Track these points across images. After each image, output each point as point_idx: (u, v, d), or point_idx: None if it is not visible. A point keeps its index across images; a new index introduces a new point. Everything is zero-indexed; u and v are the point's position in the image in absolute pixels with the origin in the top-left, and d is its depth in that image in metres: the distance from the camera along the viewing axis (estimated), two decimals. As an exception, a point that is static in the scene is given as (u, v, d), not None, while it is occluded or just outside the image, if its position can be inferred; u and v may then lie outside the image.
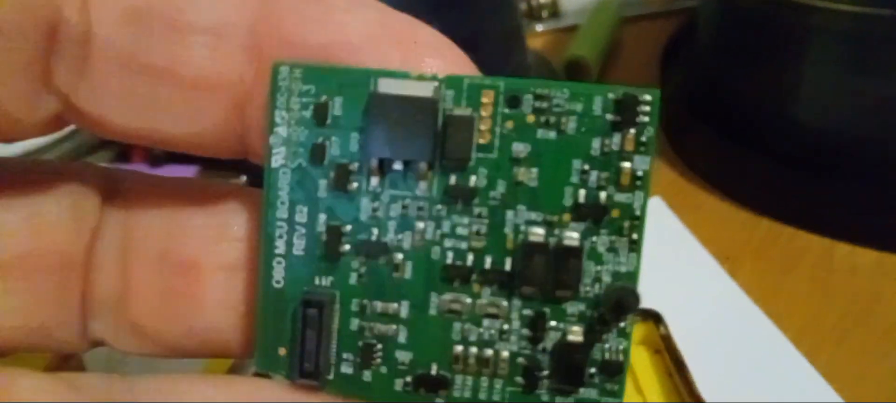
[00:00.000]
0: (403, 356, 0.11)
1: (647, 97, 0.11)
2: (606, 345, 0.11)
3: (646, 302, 0.23)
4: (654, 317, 0.22)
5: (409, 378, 0.11)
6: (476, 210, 0.11)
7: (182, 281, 0.11)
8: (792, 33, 0.29)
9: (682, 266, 0.28)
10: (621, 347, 0.11)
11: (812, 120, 0.30)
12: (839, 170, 0.29)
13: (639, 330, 0.23)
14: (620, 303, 0.11)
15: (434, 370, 0.11)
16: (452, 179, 0.11)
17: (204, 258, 0.11)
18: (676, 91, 0.36)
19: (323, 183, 0.11)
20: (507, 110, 0.11)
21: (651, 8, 0.48)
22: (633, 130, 0.11)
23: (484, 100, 0.11)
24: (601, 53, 0.41)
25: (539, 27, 0.47)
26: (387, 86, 0.11)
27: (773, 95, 0.31)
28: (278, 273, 0.11)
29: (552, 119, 0.11)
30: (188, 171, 0.34)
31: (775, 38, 0.30)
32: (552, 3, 0.47)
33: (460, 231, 0.11)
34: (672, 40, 0.40)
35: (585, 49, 0.40)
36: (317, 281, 0.11)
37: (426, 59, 0.11)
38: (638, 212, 0.11)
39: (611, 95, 0.11)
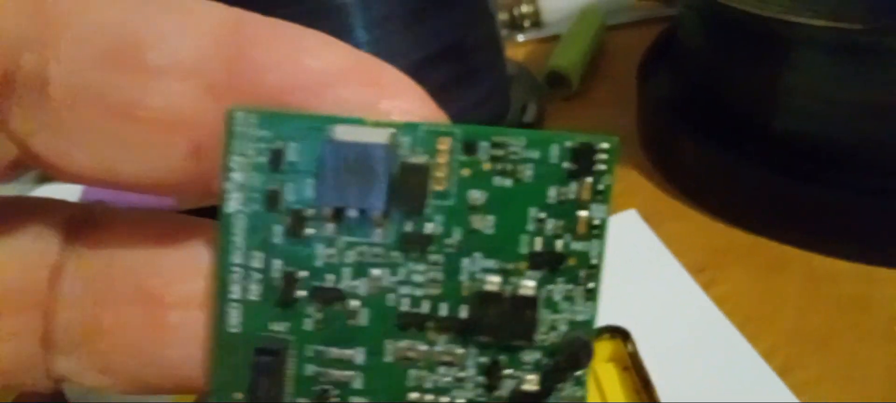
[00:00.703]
0: (359, 402, 0.11)
1: (605, 145, 0.11)
2: (562, 394, 0.11)
3: (617, 318, 0.23)
4: (623, 334, 0.23)
5: None
6: (431, 257, 0.11)
7: (148, 316, 0.12)
8: (770, 46, 0.29)
9: (654, 280, 0.28)
10: (578, 395, 0.11)
11: (791, 131, 0.30)
12: (818, 182, 0.29)
13: (607, 348, 0.23)
14: (575, 357, 0.11)
15: None
16: (408, 227, 0.11)
17: (171, 293, 0.12)
18: (655, 101, 0.36)
19: (278, 229, 0.11)
20: (463, 157, 0.11)
21: (634, 16, 0.48)
22: (589, 179, 0.11)
23: (440, 146, 0.11)
24: (583, 63, 0.41)
25: (521, 37, 0.47)
26: (342, 133, 0.11)
27: (752, 106, 0.31)
28: (233, 318, 0.11)
29: (509, 167, 0.11)
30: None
31: (754, 50, 0.30)
32: (534, 13, 0.47)
33: (416, 278, 0.11)
34: (652, 50, 0.40)
35: (567, 59, 0.40)
36: (272, 327, 0.11)
37: (390, 102, 0.11)
38: (594, 261, 0.11)
39: (568, 144, 0.11)
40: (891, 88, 0.27)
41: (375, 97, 0.11)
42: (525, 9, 0.47)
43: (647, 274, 0.28)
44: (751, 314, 0.26)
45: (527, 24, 0.47)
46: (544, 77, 0.41)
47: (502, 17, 0.46)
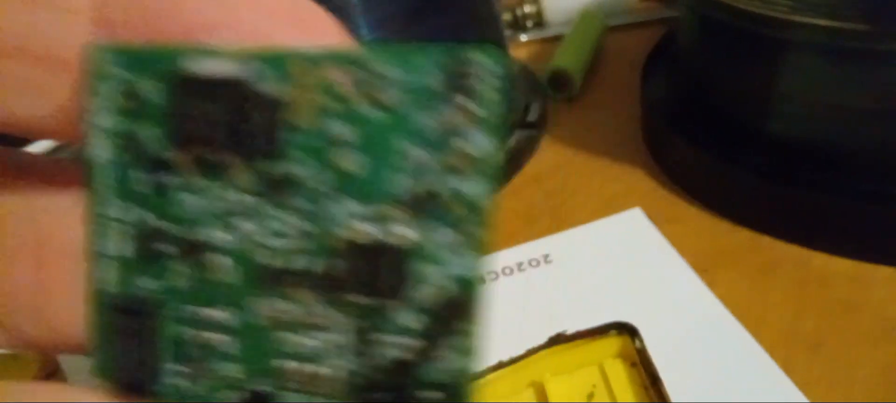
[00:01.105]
0: (231, 368, 0.10)
1: (481, 58, 0.09)
2: (440, 364, 0.09)
3: (624, 315, 0.23)
4: (630, 331, 0.23)
5: (238, 394, 0.10)
6: (294, 203, 0.09)
7: (30, 265, 0.11)
8: (769, 46, 0.29)
9: (660, 278, 0.28)
10: (459, 365, 0.09)
11: (790, 131, 0.30)
12: (816, 181, 0.29)
13: (615, 344, 0.23)
14: (446, 320, 0.09)
15: (260, 385, 0.10)
16: (266, 169, 0.09)
17: (53, 241, 0.11)
18: (657, 101, 0.36)
19: (140, 177, 0.10)
20: (323, 85, 0.09)
21: (636, 17, 0.48)
22: (465, 100, 0.09)
23: (296, 73, 0.09)
24: (585, 63, 0.42)
25: (524, 37, 0.47)
26: (192, 66, 0.09)
27: (751, 108, 0.31)
28: (107, 275, 0.10)
29: (375, 93, 0.09)
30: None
31: (753, 50, 0.30)
32: (537, 13, 0.47)
33: (280, 228, 0.09)
34: (653, 50, 0.40)
35: (569, 59, 0.40)
36: (142, 285, 0.10)
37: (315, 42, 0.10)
38: (478, 202, 0.09)
39: (436, 57, 0.09)
40: (888, 92, 0.27)
41: (299, 36, 0.10)
42: (528, 9, 0.47)
43: (652, 272, 0.28)
44: (745, 315, 0.26)
45: (529, 24, 0.47)
46: (547, 77, 0.41)
47: (505, 17, 0.46)
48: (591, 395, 0.23)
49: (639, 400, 0.22)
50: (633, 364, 0.23)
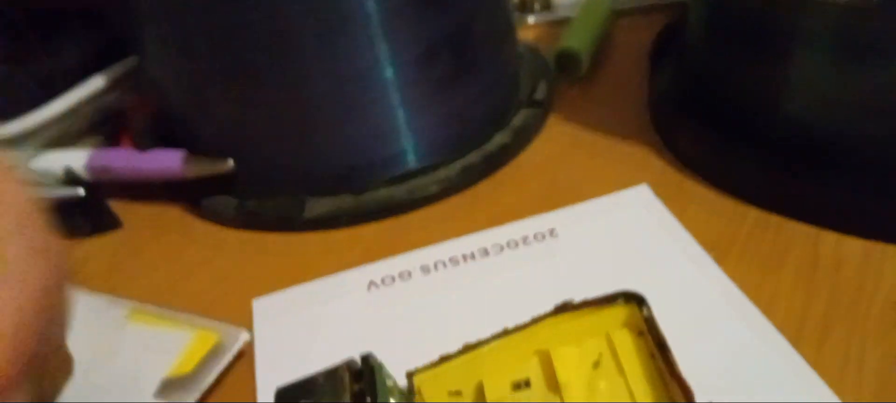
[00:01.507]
0: None
1: None
2: None
3: (630, 288, 0.23)
4: (638, 299, 0.22)
5: None
6: None
7: None
8: (781, 26, 0.29)
9: (668, 253, 0.28)
10: None
11: (801, 111, 0.29)
12: (827, 161, 0.29)
13: (621, 313, 0.23)
14: None
15: None
16: None
17: None
18: (666, 83, 0.36)
19: None
20: None
21: (643, 2, 0.48)
22: None
23: None
24: (592, 46, 0.41)
25: (531, 19, 0.47)
26: None
27: (762, 87, 0.31)
28: None
29: None
30: (174, 156, 0.34)
31: (764, 31, 0.30)
32: (544, -4, 0.47)
33: None
34: (663, 33, 0.39)
35: (576, 41, 0.40)
36: None
37: None
38: None
39: None
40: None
41: None
42: (535, -9, 0.47)
43: (660, 247, 0.28)
44: (755, 295, 0.26)
45: (537, 6, 0.47)
46: (554, 59, 0.40)
47: (512, -1, 0.46)
48: (597, 364, 0.22)
49: (645, 369, 0.21)
50: (640, 334, 0.22)
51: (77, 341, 0.27)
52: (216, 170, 0.34)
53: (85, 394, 0.25)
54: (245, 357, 0.27)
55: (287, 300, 0.29)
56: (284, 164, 0.33)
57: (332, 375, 0.21)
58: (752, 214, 0.30)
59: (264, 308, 0.28)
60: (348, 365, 0.21)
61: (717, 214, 0.30)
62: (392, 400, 0.20)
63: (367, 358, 0.21)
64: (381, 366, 0.21)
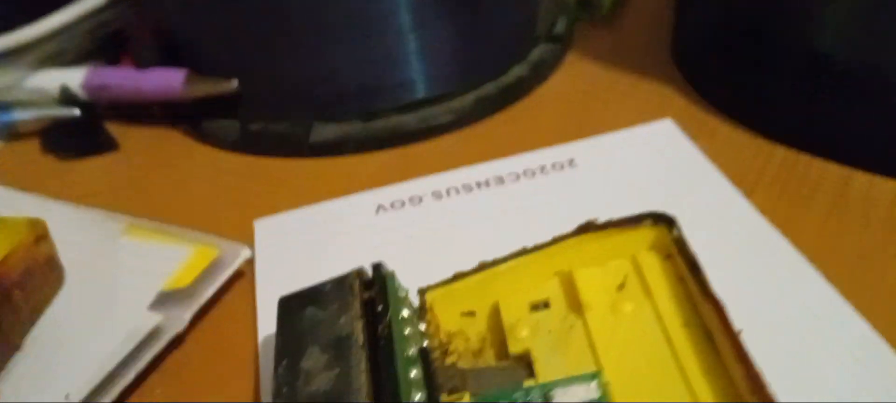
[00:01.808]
0: None
1: None
2: None
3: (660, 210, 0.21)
4: (667, 220, 0.21)
5: None
6: None
7: None
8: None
9: (693, 186, 0.26)
10: None
11: (832, 46, 0.28)
12: (859, 99, 0.27)
13: (649, 235, 0.21)
14: None
15: None
16: None
17: None
18: (691, 18, 0.34)
19: None
20: None
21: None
22: None
23: None
24: (613, -15, 0.40)
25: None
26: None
27: (792, 20, 0.29)
28: None
29: None
30: (175, 75, 0.33)
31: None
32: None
33: None
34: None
35: (598, -22, 0.39)
36: None
37: None
38: None
39: None
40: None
41: None
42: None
43: (684, 180, 0.27)
44: (783, 231, 0.24)
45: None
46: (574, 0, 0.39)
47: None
48: (621, 286, 0.21)
49: (674, 292, 0.20)
50: (668, 257, 0.21)
51: (68, 253, 0.25)
52: (219, 91, 0.32)
53: (75, 307, 0.24)
54: (245, 278, 0.26)
55: (290, 221, 0.27)
56: (290, 86, 0.32)
57: (340, 283, 0.20)
58: (780, 153, 0.28)
59: (266, 228, 0.27)
60: (358, 273, 0.20)
61: (743, 152, 0.28)
62: (405, 311, 0.19)
63: (378, 267, 0.20)
64: (393, 275, 0.20)
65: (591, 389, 0.14)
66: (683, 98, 0.32)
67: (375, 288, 0.19)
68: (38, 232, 0.24)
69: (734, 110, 0.30)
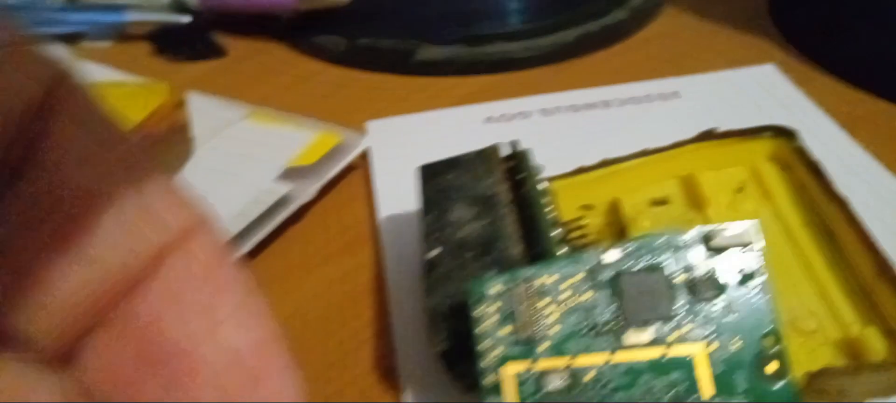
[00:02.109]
0: None
1: None
2: None
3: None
4: (788, 133, 0.22)
5: None
6: None
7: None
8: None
9: (799, 123, 0.27)
10: None
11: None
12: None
13: (768, 146, 0.22)
14: None
15: None
16: None
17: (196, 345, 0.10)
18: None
19: None
20: None
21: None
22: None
23: None
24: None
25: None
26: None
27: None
28: None
29: None
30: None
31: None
32: None
33: None
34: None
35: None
36: None
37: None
38: None
39: None
40: None
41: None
42: None
43: (788, 116, 0.27)
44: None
45: None
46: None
47: None
48: (740, 189, 0.22)
49: (794, 198, 0.21)
50: (786, 168, 0.22)
51: (194, 128, 0.26)
52: (331, 3, 0.33)
53: (203, 175, 0.25)
54: (359, 170, 0.27)
55: (401, 124, 0.28)
56: (398, 5, 0.33)
57: (480, 153, 0.21)
58: (883, 105, 0.29)
59: (379, 128, 0.28)
60: (496, 147, 0.21)
61: (845, 104, 0.29)
62: (541, 184, 0.20)
63: (515, 143, 0.21)
64: (530, 150, 0.21)
65: (751, 228, 0.15)
66: (781, 50, 0.33)
67: (515, 159, 0.20)
68: (178, 98, 0.25)
69: (831, 63, 0.31)
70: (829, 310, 0.18)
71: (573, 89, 0.30)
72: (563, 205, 0.22)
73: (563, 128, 0.27)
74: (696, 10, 0.37)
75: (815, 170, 0.20)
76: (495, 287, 0.15)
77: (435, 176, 0.20)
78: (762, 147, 0.22)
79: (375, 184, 0.25)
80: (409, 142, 0.27)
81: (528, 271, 0.15)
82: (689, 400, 0.14)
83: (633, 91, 0.29)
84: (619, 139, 0.26)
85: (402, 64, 0.33)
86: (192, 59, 0.36)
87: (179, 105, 0.25)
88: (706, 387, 0.14)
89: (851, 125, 0.27)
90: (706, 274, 0.15)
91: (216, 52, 0.36)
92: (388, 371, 0.20)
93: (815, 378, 0.15)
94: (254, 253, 0.23)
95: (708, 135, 0.22)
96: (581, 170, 0.22)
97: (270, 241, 0.24)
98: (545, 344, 0.15)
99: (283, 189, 0.24)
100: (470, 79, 0.32)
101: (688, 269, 0.15)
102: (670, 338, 0.15)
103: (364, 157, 0.27)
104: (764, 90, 0.29)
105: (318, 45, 0.35)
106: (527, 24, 0.33)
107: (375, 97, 0.31)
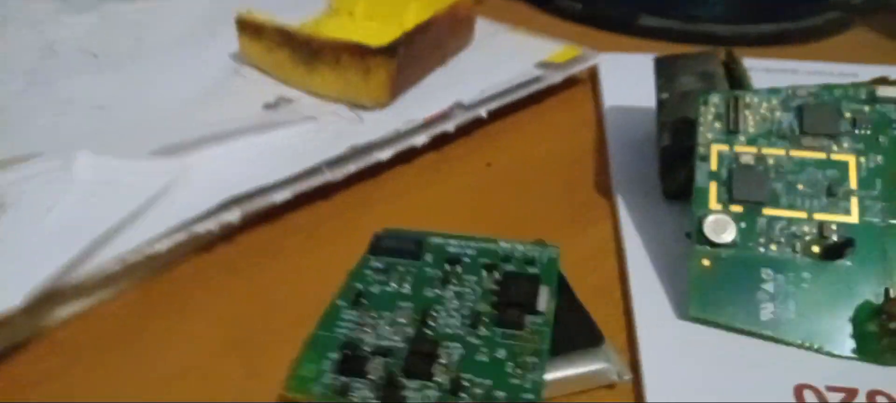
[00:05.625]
0: None
1: None
2: None
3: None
4: None
5: None
6: None
7: None
8: None
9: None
10: None
11: None
12: None
13: None
14: None
15: None
16: None
17: None
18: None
19: None
20: None
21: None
22: None
23: None
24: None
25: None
26: None
27: None
28: None
29: None
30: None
31: None
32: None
33: None
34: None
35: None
36: None
37: None
38: None
39: None
40: None
41: None
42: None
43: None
44: None
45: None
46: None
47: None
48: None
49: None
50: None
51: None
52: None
53: (482, 60, 0.34)
54: (587, 84, 0.35)
55: (628, 60, 0.36)
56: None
57: (703, 51, 0.28)
58: None
59: (608, 60, 0.36)
60: (716, 48, 0.28)
61: None
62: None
63: (730, 50, 0.28)
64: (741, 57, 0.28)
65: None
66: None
67: (729, 58, 0.27)
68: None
69: None
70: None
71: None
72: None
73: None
74: (886, 32, 0.42)
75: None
76: (715, 98, 0.23)
77: (667, 62, 0.28)
78: None
79: (603, 86, 0.33)
80: (635, 74, 0.35)
81: (739, 92, 0.23)
82: (841, 187, 0.21)
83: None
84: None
85: (626, 27, 0.41)
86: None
87: (478, 2, 0.34)
88: (853, 182, 0.21)
89: None
90: (868, 112, 0.22)
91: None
92: (604, 191, 0.27)
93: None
94: (503, 115, 0.32)
95: (882, 81, 0.29)
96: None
97: (513, 111, 0.32)
98: (743, 138, 0.22)
99: (538, 72, 0.32)
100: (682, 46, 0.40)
101: (855, 110, 0.22)
102: (834, 147, 0.21)
103: (595, 77, 0.35)
104: None
105: (558, 6, 0.43)
106: (735, 11, 0.40)
107: (606, 45, 0.39)
